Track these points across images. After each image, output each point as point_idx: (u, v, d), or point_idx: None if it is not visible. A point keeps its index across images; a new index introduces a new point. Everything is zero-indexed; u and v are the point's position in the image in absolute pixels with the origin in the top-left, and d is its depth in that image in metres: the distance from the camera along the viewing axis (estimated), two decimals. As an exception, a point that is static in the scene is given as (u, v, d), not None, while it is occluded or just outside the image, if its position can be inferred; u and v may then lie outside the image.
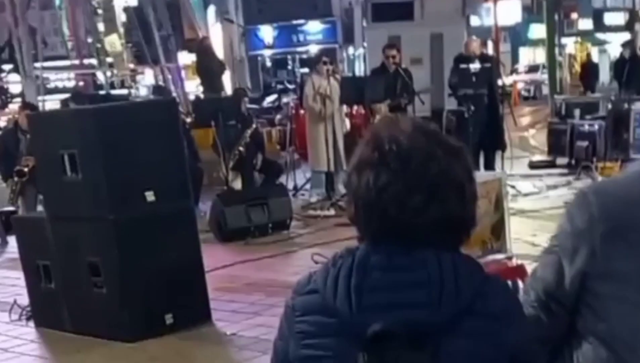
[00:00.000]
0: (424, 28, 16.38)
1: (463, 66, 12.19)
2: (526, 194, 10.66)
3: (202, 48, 18.29)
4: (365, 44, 18.16)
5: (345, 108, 12.28)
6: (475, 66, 12.17)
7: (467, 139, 10.14)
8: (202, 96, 17.58)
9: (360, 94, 11.43)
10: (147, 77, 28.31)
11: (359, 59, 30.02)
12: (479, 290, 1.72)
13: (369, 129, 1.86)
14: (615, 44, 33.56)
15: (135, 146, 6.41)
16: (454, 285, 1.70)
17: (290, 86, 29.73)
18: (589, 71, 26.90)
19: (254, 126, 11.53)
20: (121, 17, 26.72)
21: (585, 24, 42.78)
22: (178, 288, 6.48)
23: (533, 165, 13.51)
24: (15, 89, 23.05)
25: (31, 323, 7.17)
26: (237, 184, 11.26)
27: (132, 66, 26.00)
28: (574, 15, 40.05)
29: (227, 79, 20.46)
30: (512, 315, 1.74)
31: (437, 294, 1.69)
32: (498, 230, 4.78)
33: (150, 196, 6.43)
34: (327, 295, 1.75)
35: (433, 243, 1.73)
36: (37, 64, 20.24)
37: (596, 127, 12.85)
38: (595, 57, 34.99)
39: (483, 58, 12.69)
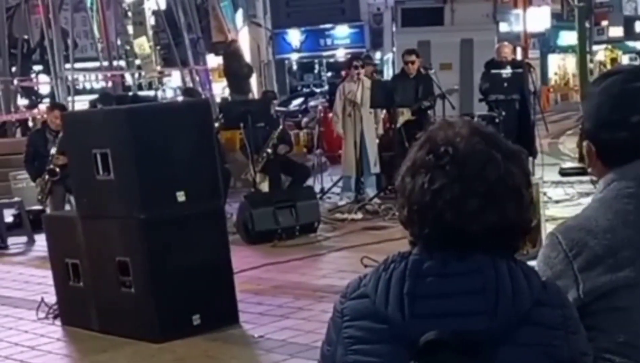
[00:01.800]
0: (454, 33, 16.35)
1: (495, 71, 12.15)
2: (557, 201, 10.56)
3: (230, 51, 18.36)
4: (394, 49, 18.09)
5: (380, 112, 12.23)
6: (507, 71, 12.12)
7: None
8: (229, 98, 17.61)
9: (389, 98, 11.42)
10: (174, 80, 28.45)
11: (387, 64, 29.96)
12: (536, 299, 1.67)
13: (425, 132, 1.79)
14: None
15: (168, 146, 6.43)
16: (511, 292, 1.65)
17: (317, 90, 29.76)
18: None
19: (280, 127, 11.51)
20: (150, 20, 26.87)
21: (616, 31, 42.47)
22: (206, 289, 6.47)
23: (564, 172, 13.39)
24: (44, 90, 23.22)
25: (58, 322, 7.20)
26: (265, 187, 11.25)
27: (159, 68, 26.12)
28: (605, 23, 39.84)
29: (253, 82, 20.49)
30: (568, 325, 1.69)
31: (493, 302, 1.64)
32: (534, 236, 4.72)
33: (181, 196, 6.44)
34: (379, 300, 1.70)
35: (488, 249, 1.69)
36: (68, 65, 20.38)
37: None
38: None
39: (515, 64, 12.63)
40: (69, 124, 7.36)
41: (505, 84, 12.02)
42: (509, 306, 1.64)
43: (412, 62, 12.14)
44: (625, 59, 38.75)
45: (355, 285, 1.77)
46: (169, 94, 25.26)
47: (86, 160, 6.59)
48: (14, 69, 22.31)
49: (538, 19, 38.49)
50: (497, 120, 11.43)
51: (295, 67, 36.60)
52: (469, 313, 1.64)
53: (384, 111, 12.32)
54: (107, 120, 6.76)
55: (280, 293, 7.52)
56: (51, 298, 7.43)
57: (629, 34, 42.73)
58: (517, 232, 1.74)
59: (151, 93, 20.81)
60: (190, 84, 20.48)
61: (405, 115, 11.84)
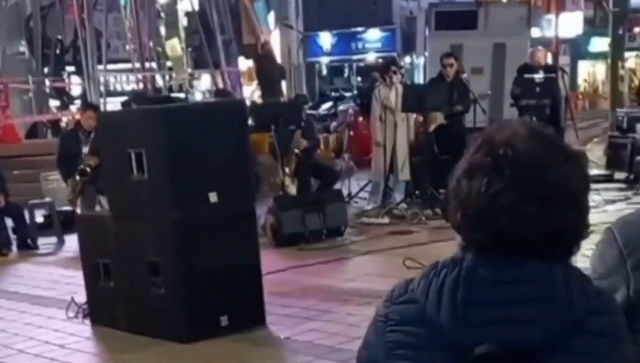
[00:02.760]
0: (486, 38, 16.19)
1: (527, 76, 12.07)
2: (584, 208, 10.52)
3: (263, 53, 18.28)
4: (426, 53, 17.97)
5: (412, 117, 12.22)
6: (539, 76, 12.05)
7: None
8: (258, 101, 17.61)
9: (421, 102, 11.36)
10: (203, 83, 28.47)
11: (418, 68, 29.86)
12: (590, 307, 1.64)
13: (482, 133, 1.75)
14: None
15: (202, 146, 6.45)
16: (566, 301, 1.62)
17: (347, 94, 29.67)
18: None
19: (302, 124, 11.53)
20: (183, 22, 26.91)
21: (648, 38, 42.08)
22: (235, 290, 6.52)
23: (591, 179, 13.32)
24: (75, 91, 23.26)
25: (87, 321, 7.28)
26: (293, 190, 11.28)
27: (190, 70, 26.17)
28: (637, 30, 39.43)
29: (283, 85, 20.48)
30: (619, 334, 1.67)
31: (548, 311, 1.61)
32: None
33: (213, 197, 6.48)
34: (430, 306, 1.65)
35: (543, 255, 1.65)
36: (100, 67, 20.43)
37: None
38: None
39: (547, 69, 12.56)
40: (105, 123, 7.40)
41: (538, 89, 11.95)
42: (564, 316, 1.61)
43: (451, 65, 12.10)
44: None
45: (402, 289, 1.73)
46: (198, 97, 25.27)
47: (121, 160, 6.63)
48: (46, 69, 22.38)
49: (570, 25, 38.20)
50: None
51: (325, 71, 36.54)
52: (523, 322, 1.61)
53: (415, 116, 12.29)
54: (142, 120, 6.79)
55: (306, 296, 7.56)
56: (81, 297, 7.51)
57: (662, 40, 42.31)
58: (573, 238, 1.69)
59: (182, 95, 20.79)
60: (221, 86, 20.50)
61: (438, 119, 11.81)
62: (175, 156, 6.42)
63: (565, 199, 1.65)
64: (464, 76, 12.30)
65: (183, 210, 6.42)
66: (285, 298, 7.46)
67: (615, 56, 22.07)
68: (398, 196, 11.79)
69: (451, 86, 11.89)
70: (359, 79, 33.42)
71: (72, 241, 10.61)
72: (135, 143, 6.55)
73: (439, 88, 11.89)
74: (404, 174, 11.72)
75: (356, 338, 6.38)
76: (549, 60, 19.91)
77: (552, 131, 1.75)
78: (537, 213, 1.62)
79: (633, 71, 31.91)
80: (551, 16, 35.50)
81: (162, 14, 25.95)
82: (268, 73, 17.76)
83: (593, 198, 11.45)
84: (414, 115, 11.92)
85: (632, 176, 12.84)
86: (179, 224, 6.42)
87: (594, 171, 14.12)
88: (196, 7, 23.82)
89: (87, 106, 12.69)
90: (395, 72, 11.68)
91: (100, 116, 8.05)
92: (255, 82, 21.33)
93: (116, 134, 6.85)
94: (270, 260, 8.52)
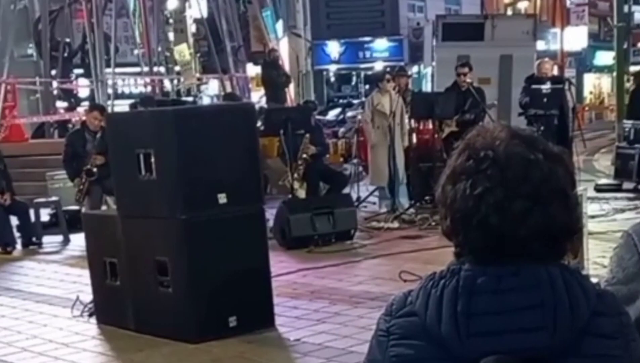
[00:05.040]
0: (493, 49, 16.33)
1: (535, 86, 12.14)
2: (593, 217, 10.51)
3: (270, 60, 18.46)
4: (434, 63, 18.11)
5: (413, 123, 12.32)
6: (546, 86, 12.13)
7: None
8: (265, 106, 17.72)
9: (430, 110, 11.53)
10: (211, 88, 28.60)
11: (426, 77, 29.99)
12: (594, 309, 1.62)
13: (464, 139, 1.73)
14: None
15: (212, 148, 6.46)
16: (568, 305, 1.60)
17: (355, 101, 29.83)
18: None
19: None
20: (191, 28, 27.07)
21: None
22: (243, 291, 6.49)
23: (599, 188, 13.38)
24: (83, 93, 23.45)
25: (93, 320, 7.22)
26: (302, 194, 11.29)
27: (198, 75, 26.31)
28: (641, 44, 39.67)
29: (292, 92, 20.59)
30: (627, 333, 1.65)
31: (551, 316, 1.59)
32: (575, 247, 4.68)
33: (222, 198, 6.46)
34: (430, 319, 1.63)
35: (538, 255, 1.63)
36: (109, 70, 20.56)
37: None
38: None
39: (555, 80, 12.64)
40: (113, 124, 7.40)
41: (545, 100, 12.05)
42: (568, 320, 1.59)
43: (465, 74, 12.25)
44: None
45: (401, 302, 1.70)
46: (206, 101, 25.40)
47: (129, 160, 6.63)
48: (54, 71, 22.56)
49: (575, 38, 38.39)
50: (535, 135, 11.40)
51: (333, 78, 36.68)
52: (528, 329, 1.59)
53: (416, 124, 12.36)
54: (153, 121, 6.80)
55: (316, 298, 7.52)
56: (86, 296, 7.47)
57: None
58: (564, 234, 1.67)
59: (190, 99, 20.99)
60: (229, 90, 20.63)
61: (450, 127, 11.90)
62: (185, 157, 6.41)
63: (552, 195, 1.64)
64: (475, 85, 12.37)
65: (191, 210, 6.40)
66: (295, 300, 7.42)
67: (620, 69, 22.31)
68: (403, 201, 11.85)
69: (464, 94, 12.01)
70: (367, 87, 33.54)
71: (77, 240, 10.59)
72: (145, 143, 6.55)
73: (449, 97, 12.03)
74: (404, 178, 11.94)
75: (367, 342, 6.35)
76: (555, 72, 20.07)
77: (531, 132, 1.75)
78: (526, 209, 1.61)
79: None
80: (556, 30, 35.72)
81: (171, 20, 26.09)
82: (273, 80, 17.96)
83: (602, 206, 11.52)
84: (407, 121, 12.11)
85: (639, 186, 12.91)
86: (187, 225, 6.40)
87: (602, 181, 14.21)
88: (205, 15, 23.91)
89: (93, 106, 12.69)
90: (389, 81, 11.88)
91: (109, 117, 8.03)
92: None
93: (124, 135, 6.85)
94: (279, 262, 8.51)
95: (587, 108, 40.40)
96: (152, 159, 6.46)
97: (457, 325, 1.60)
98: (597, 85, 45.29)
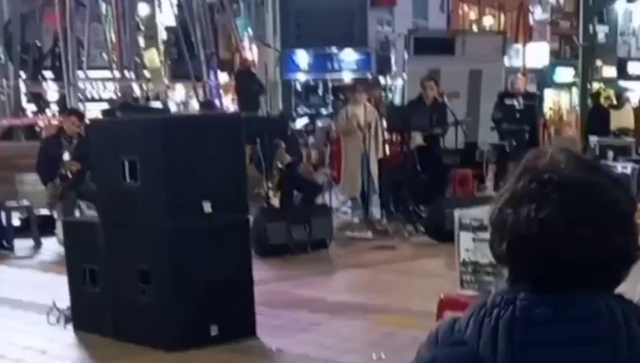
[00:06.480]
0: (463, 64, 16.51)
1: (509, 102, 12.32)
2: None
3: (243, 69, 18.58)
4: (404, 75, 18.33)
5: (386, 135, 12.41)
6: (519, 102, 12.32)
7: (506, 174, 10.24)
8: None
9: (405, 122, 11.62)
10: (177, 94, 28.52)
11: (395, 90, 30.14)
12: None
13: (520, 162, 1.67)
14: (638, 92, 33.68)
15: (197, 157, 6.47)
16: (626, 337, 1.56)
17: (324, 111, 29.89)
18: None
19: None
20: (162, 35, 26.99)
21: (609, 71, 43.14)
22: (226, 300, 6.49)
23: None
24: (51, 96, 23.29)
25: (70, 327, 7.14)
26: (276, 202, 11.30)
27: (167, 81, 26.28)
28: (599, 63, 40.35)
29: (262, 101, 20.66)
30: None
31: (611, 350, 1.54)
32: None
33: (207, 206, 6.47)
34: (483, 349, 1.57)
35: (597, 283, 1.59)
36: (81, 73, 20.47)
37: (629, 169, 12.88)
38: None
39: (527, 95, 12.82)
40: (97, 131, 7.41)
41: (518, 115, 12.23)
42: (626, 354, 1.55)
43: (431, 88, 12.29)
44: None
45: (448, 330, 1.63)
46: (173, 108, 25.33)
47: (112, 167, 6.62)
48: (23, 74, 22.39)
49: (537, 55, 38.99)
50: (507, 149, 11.62)
51: (300, 88, 36.71)
52: (587, 362, 1.54)
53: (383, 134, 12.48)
54: (139, 128, 6.82)
55: (295, 307, 7.54)
56: (62, 302, 7.37)
57: (621, 73, 43.53)
58: (626, 260, 1.62)
59: (159, 105, 21.01)
60: (201, 99, 20.64)
61: (417, 140, 11.97)
62: (170, 164, 6.44)
63: (617, 221, 1.60)
64: (445, 99, 12.45)
65: (176, 218, 6.41)
66: (275, 309, 7.41)
67: (584, 86, 22.76)
68: (375, 211, 11.93)
69: (431, 109, 12.10)
70: (332, 98, 33.62)
71: (49, 244, 10.51)
72: (129, 150, 6.55)
73: (420, 110, 12.10)
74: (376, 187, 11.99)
75: (350, 352, 6.44)
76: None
77: (590, 156, 1.74)
78: (590, 236, 1.56)
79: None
80: (519, 46, 36.20)
81: (142, 26, 26.03)
82: (247, 88, 17.99)
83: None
84: (381, 133, 12.18)
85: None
86: (171, 233, 6.41)
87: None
88: (174, 23, 23.91)
89: (71, 111, 12.60)
90: (361, 92, 12.00)
91: (92, 123, 8.00)
92: (231, 96, 21.51)
93: (108, 142, 6.84)
94: (256, 271, 8.46)
95: (546, 124, 40.87)
96: (137, 167, 6.44)
97: (514, 356, 1.55)
98: (556, 101, 45.90)
